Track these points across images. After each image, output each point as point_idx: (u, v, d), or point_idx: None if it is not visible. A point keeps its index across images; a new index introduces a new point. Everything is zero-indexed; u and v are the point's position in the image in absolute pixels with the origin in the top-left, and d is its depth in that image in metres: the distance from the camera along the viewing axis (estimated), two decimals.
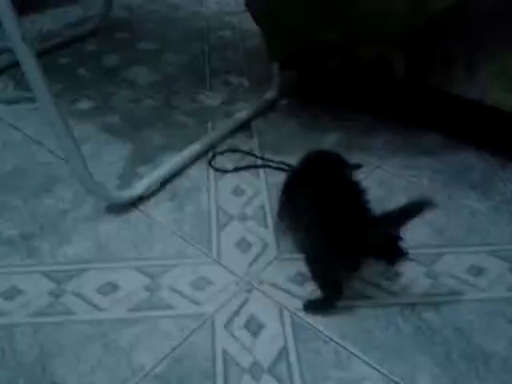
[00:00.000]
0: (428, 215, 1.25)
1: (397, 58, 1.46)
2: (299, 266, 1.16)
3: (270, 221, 1.30)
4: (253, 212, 1.33)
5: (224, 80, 1.89)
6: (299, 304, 1.09)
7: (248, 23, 2.23)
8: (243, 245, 1.24)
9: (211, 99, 1.78)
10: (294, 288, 1.13)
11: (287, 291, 1.12)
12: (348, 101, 1.74)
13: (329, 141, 1.58)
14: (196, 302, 1.10)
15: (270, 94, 1.73)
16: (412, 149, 1.55)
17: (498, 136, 1.57)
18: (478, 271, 1.16)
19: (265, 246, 1.23)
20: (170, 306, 1.09)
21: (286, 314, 1.07)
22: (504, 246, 1.23)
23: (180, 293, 1.12)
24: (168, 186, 1.41)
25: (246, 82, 1.88)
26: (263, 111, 1.70)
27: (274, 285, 1.14)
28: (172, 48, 2.11)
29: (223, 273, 1.17)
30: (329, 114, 1.69)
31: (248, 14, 1.55)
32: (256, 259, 1.20)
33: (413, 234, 1.21)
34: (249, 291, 1.12)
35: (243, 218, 1.31)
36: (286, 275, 1.16)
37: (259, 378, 0.96)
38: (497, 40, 1.24)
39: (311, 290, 1.11)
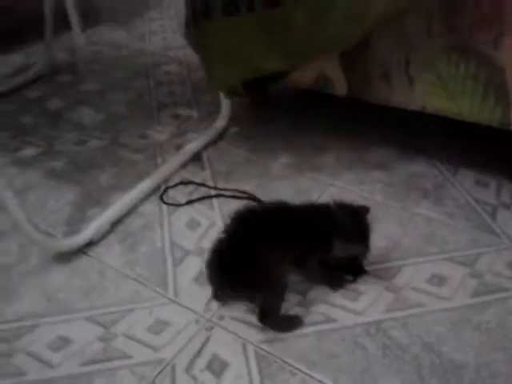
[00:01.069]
0: (384, 229, 1.26)
1: (336, 78, 1.47)
2: None
3: None
4: (209, 244, 1.29)
5: (172, 113, 1.87)
6: (262, 335, 1.05)
7: (194, 56, 2.24)
8: (201, 279, 1.19)
9: (160, 133, 1.75)
10: (255, 319, 1.09)
11: (249, 323, 1.08)
12: (297, 122, 1.74)
13: (280, 163, 1.57)
14: (154, 348, 1.04)
15: (219, 123, 1.71)
16: (363, 164, 1.55)
17: (446, 142, 1.60)
18: (440, 280, 1.15)
19: None
20: (126, 356, 1.03)
21: (250, 348, 1.03)
22: (462, 251, 1.23)
23: (136, 340, 1.06)
24: (119, 227, 1.35)
25: (194, 114, 1.86)
26: (214, 140, 1.68)
27: (234, 318, 1.09)
28: (117, 87, 2.08)
29: (181, 312, 1.12)
30: (279, 136, 1.69)
31: None
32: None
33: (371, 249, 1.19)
34: (209, 328, 1.07)
35: (200, 251, 1.27)
36: (246, 307, 1.12)
37: None
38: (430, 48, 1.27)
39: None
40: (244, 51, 1.39)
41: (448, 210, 1.35)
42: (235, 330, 1.07)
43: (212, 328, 1.07)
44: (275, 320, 1.04)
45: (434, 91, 1.32)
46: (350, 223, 1.07)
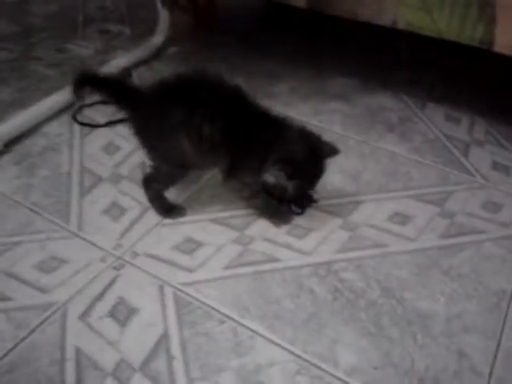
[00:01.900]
0: (341, 162, 1.06)
1: None
2: (190, 229, 0.91)
3: None
4: (129, 171, 1.05)
5: (100, 29, 1.58)
6: (187, 276, 0.83)
7: None
8: (114, 211, 0.95)
9: (82, 48, 1.47)
10: (181, 257, 0.86)
11: (171, 262, 0.85)
12: (248, 48, 1.50)
13: None
14: (42, 289, 0.80)
15: (155, 39, 1.45)
16: (321, 94, 1.33)
17: (414, 75, 1.41)
18: (404, 219, 0.96)
19: (143, 211, 0.96)
20: (3, 297, 0.79)
21: (169, 290, 0.81)
22: (429, 188, 1.04)
23: (20, 279, 0.81)
24: (16, 147, 1.09)
25: (127, 30, 1.58)
26: (147, 58, 1.41)
27: (153, 256, 0.87)
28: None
29: (84, 248, 0.88)
30: (226, 61, 1.44)
31: None
32: (130, 227, 0.92)
33: (324, 183, 0.99)
34: (118, 267, 0.84)
35: (116, 178, 1.03)
36: (170, 243, 0.89)
37: (127, 380, 0.69)
38: None
39: (204, 258, 0.86)
40: None
41: (415, 145, 1.16)
42: (152, 269, 0.84)
43: (122, 267, 0.84)
44: (158, 201, 0.95)
45: (407, 1, 1.11)
46: (298, 139, 0.86)
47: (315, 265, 0.85)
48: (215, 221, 0.94)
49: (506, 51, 1.04)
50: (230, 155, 0.87)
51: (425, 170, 1.09)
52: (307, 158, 0.85)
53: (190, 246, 0.89)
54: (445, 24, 1.09)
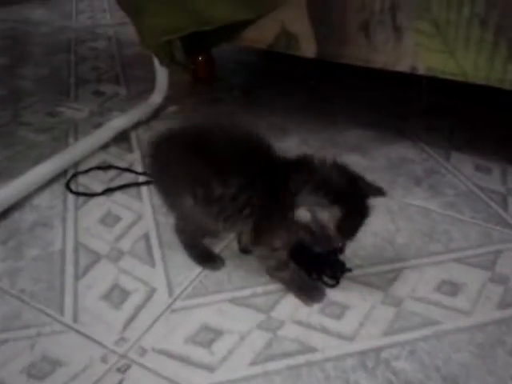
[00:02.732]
0: (369, 223, 0.94)
1: (303, 34, 1.15)
2: (205, 314, 0.78)
3: (157, 255, 0.89)
4: (131, 245, 0.92)
5: (94, 90, 1.49)
6: (206, 377, 0.68)
7: (126, 34, 1.89)
8: (115, 296, 0.81)
9: (76, 111, 1.37)
10: (197, 352, 0.72)
11: (186, 360, 0.71)
12: (251, 101, 1.41)
13: None
14: None
15: (153, 99, 1.35)
16: (335, 147, 1.23)
17: (434, 124, 1.32)
18: (453, 288, 0.83)
19: (149, 293, 0.82)
20: None
21: None
22: (474, 249, 0.92)
23: None
24: (2, 223, 0.96)
25: (123, 91, 1.49)
26: (146, 119, 1.32)
27: (164, 352, 0.72)
28: (30, 62, 1.68)
29: (82, 345, 0.73)
30: (228, 116, 1.34)
31: (125, 25, 1.19)
32: (135, 315, 0.78)
33: (356, 249, 0.87)
34: (123, 369, 0.70)
35: (116, 255, 0.89)
36: (183, 334, 0.75)
37: None
38: None
39: (225, 352, 0.72)
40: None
41: (448, 199, 1.05)
42: (162, 369, 0.69)
43: (127, 368, 0.70)
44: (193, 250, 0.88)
45: (428, 45, 1.02)
46: (335, 174, 0.71)
47: (360, 353, 0.71)
48: (234, 301, 0.80)
49: None
50: (254, 216, 0.75)
51: (464, 227, 0.97)
52: (347, 193, 0.70)
53: (207, 335, 0.74)
54: (471, 66, 1.00)
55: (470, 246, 0.92)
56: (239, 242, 0.89)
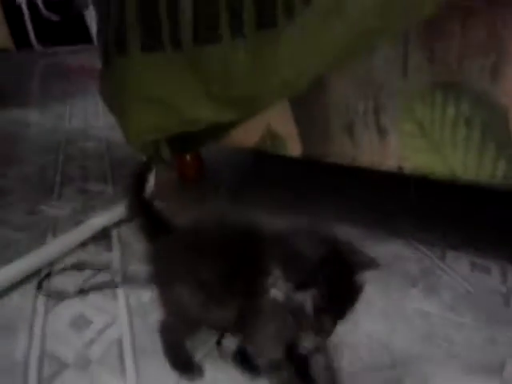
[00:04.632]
0: (364, 326, 0.88)
1: (288, 134, 1.16)
2: None
3: (129, 363, 0.80)
4: (101, 352, 0.83)
5: (79, 188, 1.47)
6: None
7: (118, 136, 1.92)
8: None
9: (57, 209, 1.33)
10: None
11: None
12: (237, 201, 1.39)
13: None
14: None
15: None
16: None
17: (426, 221, 1.29)
18: None
19: None
20: None
21: None
22: (477, 354, 0.84)
23: None
24: None
25: (109, 189, 1.47)
26: (129, 218, 1.27)
27: None
28: (15, 161, 1.68)
29: None
30: (215, 214, 1.31)
31: (117, 129, 1.22)
32: None
33: (350, 355, 0.79)
34: None
35: (83, 364, 0.80)
36: None
37: None
38: (407, 89, 1.00)
39: None
40: (170, 95, 1.06)
41: (446, 301, 0.98)
42: None
43: None
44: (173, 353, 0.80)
45: (413, 145, 1.03)
46: (305, 249, 0.62)
47: None
48: None
49: None
50: (238, 307, 0.67)
51: (467, 333, 0.89)
52: (325, 269, 0.59)
53: None
54: (459, 166, 0.99)
55: (473, 352, 0.84)
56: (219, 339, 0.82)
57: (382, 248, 1.17)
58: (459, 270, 1.09)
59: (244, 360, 0.77)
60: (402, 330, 0.89)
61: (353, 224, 1.26)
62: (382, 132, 1.06)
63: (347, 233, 1.22)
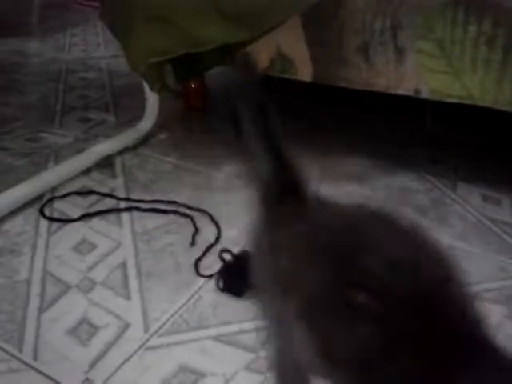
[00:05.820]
0: None
1: (299, 57, 1.10)
2: (185, 353, 0.67)
3: (133, 286, 0.80)
4: (105, 275, 0.82)
5: (81, 117, 1.43)
6: None
7: (119, 65, 1.85)
8: (82, 330, 0.71)
9: (59, 137, 1.29)
10: None
11: None
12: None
13: (223, 173, 1.15)
14: None
15: (142, 126, 1.29)
16: (333, 177, 1.15)
17: (438, 154, 1.25)
18: None
19: (123, 328, 0.72)
20: None
21: None
22: (487, 284, 0.82)
23: None
24: None
25: (111, 118, 1.43)
26: (134, 145, 1.24)
27: None
28: (16, 89, 1.63)
29: None
30: (222, 145, 1.28)
31: (118, 58, 1.15)
32: (104, 353, 0.68)
33: None
34: None
35: (87, 286, 0.80)
36: (158, 376, 0.64)
37: None
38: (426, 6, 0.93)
39: None
40: (177, 13, 1.00)
41: (457, 230, 0.96)
42: None
43: None
44: None
45: (432, 66, 0.97)
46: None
47: None
48: (219, 339, 0.70)
49: None
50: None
51: (477, 260, 0.88)
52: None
53: (188, 378, 0.64)
54: (478, 88, 0.94)
55: (483, 281, 0.83)
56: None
57: (391, 179, 1.14)
58: (470, 201, 1.06)
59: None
60: None
61: (362, 155, 1.23)
62: (399, 52, 1.00)
63: (356, 164, 1.20)
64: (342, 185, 1.11)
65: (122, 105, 1.51)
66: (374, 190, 1.10)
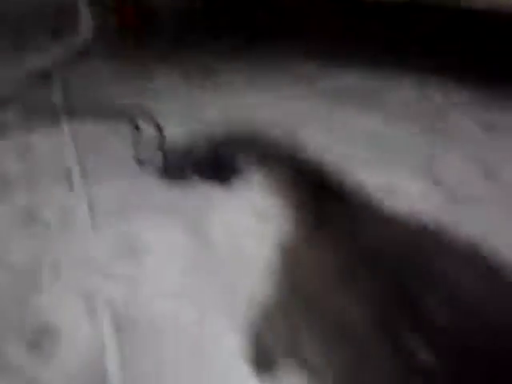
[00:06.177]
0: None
1: None
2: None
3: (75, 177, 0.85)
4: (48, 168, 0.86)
5: (15, 28, 1.40)
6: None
7: None
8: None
9: None
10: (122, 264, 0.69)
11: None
12: (183, 44, 1.38)
13: (160, 82, 1.19)
14: None
15: (76, 40, 1.29)
16: (282, 80, 1.22)
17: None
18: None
19: None
20: None
21: None
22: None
23: None
24: None
25: (45, 33, 1.41)
26: (68, 60, 1.25)
27: None
28: None
29: None
30: (158, 58, 1.31)
31: None
32: None
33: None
34: None
35: (29, 177, 0.84)
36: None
37: None
38: None
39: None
40: None
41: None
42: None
43: None
44: None
45: None
46: None
47: None
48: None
49: None
50: None
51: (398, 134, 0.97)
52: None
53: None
54: None
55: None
56: None
57: (336, 81, 1.21)
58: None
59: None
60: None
61: (311, 58, 1.29)
62: None
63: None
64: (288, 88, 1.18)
65: (55, 19, 1.48)
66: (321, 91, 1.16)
